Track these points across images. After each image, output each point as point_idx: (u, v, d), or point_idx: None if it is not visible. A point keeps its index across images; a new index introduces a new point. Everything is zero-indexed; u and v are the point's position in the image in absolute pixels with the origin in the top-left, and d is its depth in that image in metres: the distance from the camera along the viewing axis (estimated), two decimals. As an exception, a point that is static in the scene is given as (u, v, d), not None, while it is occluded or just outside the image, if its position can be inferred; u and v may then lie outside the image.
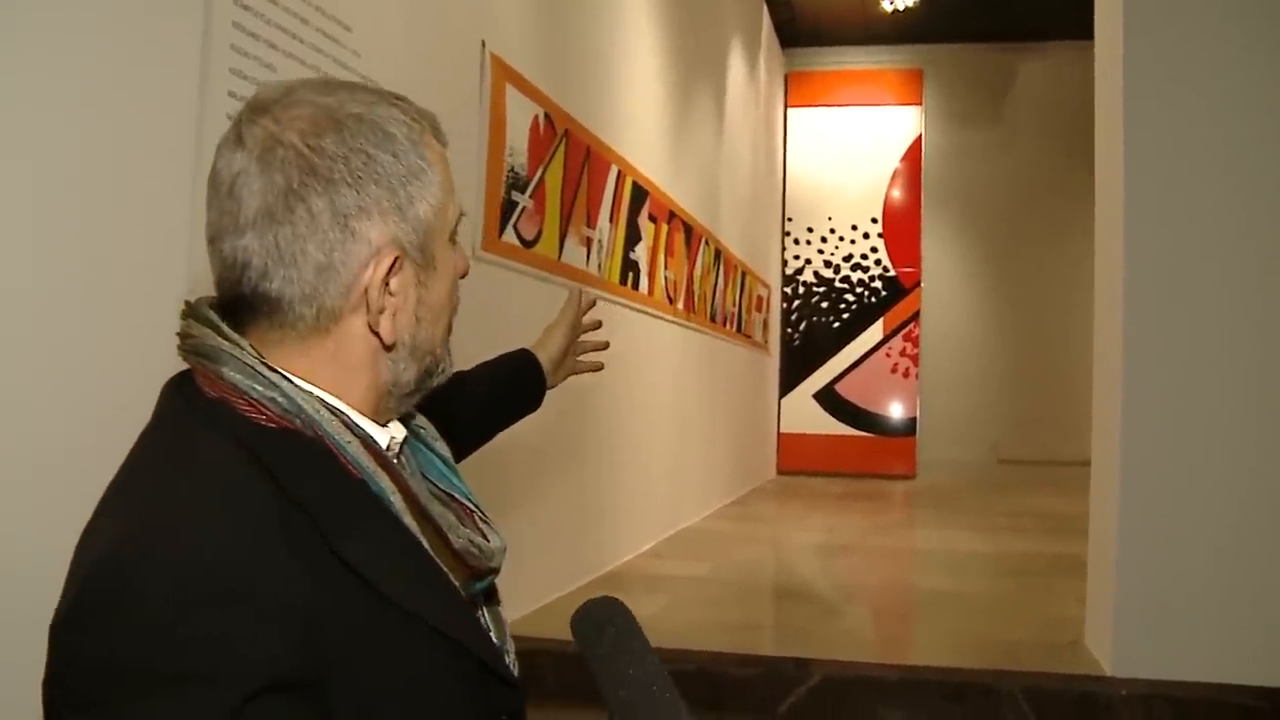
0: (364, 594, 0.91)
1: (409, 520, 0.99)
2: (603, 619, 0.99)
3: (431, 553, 1.00)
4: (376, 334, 1.00)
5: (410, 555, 0.98)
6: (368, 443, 0.99)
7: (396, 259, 0.99)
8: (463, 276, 1.12)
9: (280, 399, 0.95)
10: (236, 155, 0.97)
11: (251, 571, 0.84)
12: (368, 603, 0.91)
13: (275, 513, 0.88)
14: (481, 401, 1.63)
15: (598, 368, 1.89)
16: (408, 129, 1.01)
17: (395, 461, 1.04)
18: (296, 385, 0.97)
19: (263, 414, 0.94)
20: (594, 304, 1.86)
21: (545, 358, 1.73)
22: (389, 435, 1.06)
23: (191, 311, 0.99)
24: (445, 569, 1.01)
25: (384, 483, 0.98)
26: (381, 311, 0.99)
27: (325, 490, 0.93)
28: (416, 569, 0.98)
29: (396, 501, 0.98)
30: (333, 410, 0.98)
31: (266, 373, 0.95)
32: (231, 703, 0.79)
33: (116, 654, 0.80)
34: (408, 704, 0.93)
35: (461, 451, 1.50)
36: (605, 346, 1.90)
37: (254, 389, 0.94)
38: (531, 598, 3.96)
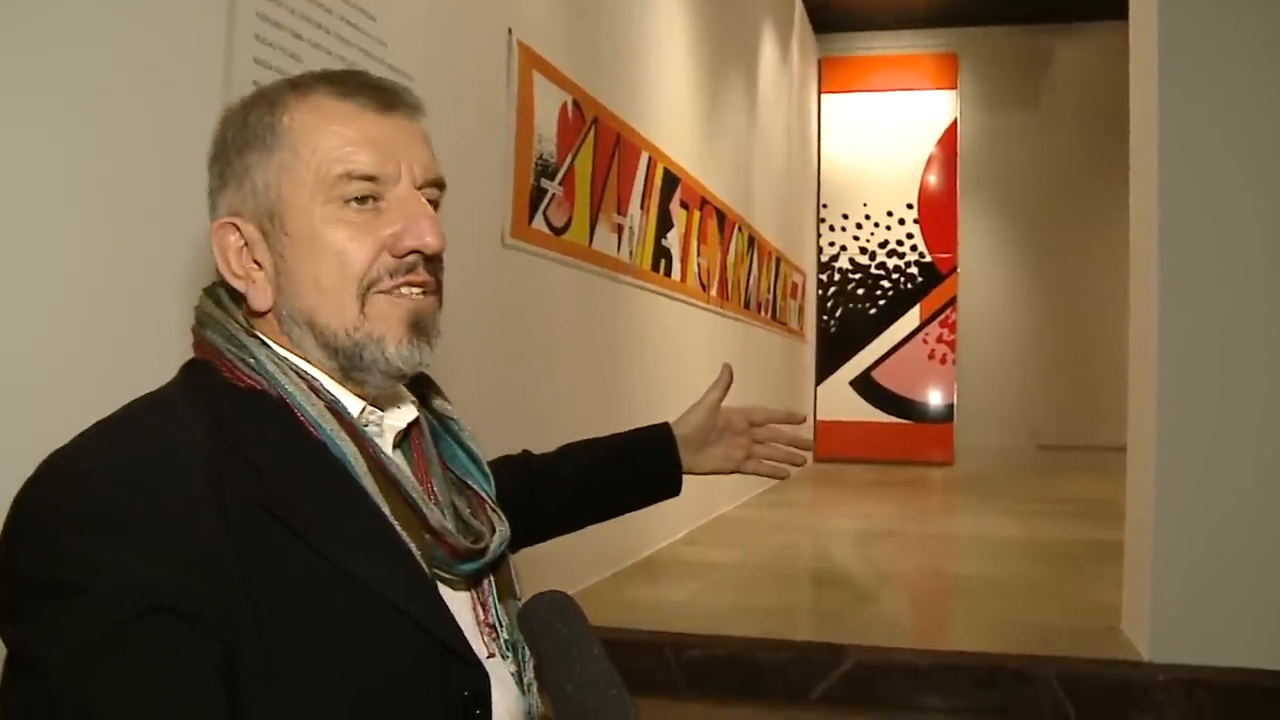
0: (295, 548, 0.93)
1: (369, 485, 0.99)
2: (551, 613, 0.98)
3: (393, 522, 0.99)
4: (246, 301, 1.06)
5: (361, 519, 0.98)
6: (333, 407, 1.02)
7: (232, 227, 1.04)
8: (412, 252, 1.04)
9: (249, 360, 1.01)
10: None
11: (153, 501, 0.88)
12: (298, 557, 0.93)
13: (205, 455, 0.92)
14: (596, 475, 1.56)
15: (781, 476, 1.68)
16: (271, 101, 1.05)
17: (377, 432, 1.07)
18: (273, 350, 1.03)
19: (233, 374, 1.00)
20: (801, 422, 1.69)
21: (680, 435, 1.58)
22: (362, 405, 1.06)
23: (208, 289, 1.09)
24: (408, 539, 1.00)
25: (345, 446, 1.00)
26: (241, 279, 1.05)
27: (274, 446, 0.97)
28: (365, 533, 0.98)
29: (358, 466, 1.00)
30: (301, 374, 1.02)
31: (244, 338, 1.02)
32: (115, 617, 0.83)
33: (20, 566, 0.86)
34: (328, 659, 0.92)
35: (559, 529, 1.52)
36: (801, 462, 1.68)
37: (229, 350, 1.01)
38: (565, 585, 3.93)
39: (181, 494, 0.89)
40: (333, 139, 1.01)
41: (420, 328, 1.06)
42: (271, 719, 0.89)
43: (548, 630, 0.97)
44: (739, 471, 1.66)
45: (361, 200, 1.02)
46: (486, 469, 1.19)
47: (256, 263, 1.03)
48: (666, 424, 1.59)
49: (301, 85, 1.05)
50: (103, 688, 0.82)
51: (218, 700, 0.85)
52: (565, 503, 1.50)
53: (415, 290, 1.05)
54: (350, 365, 1.04)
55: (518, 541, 1.25)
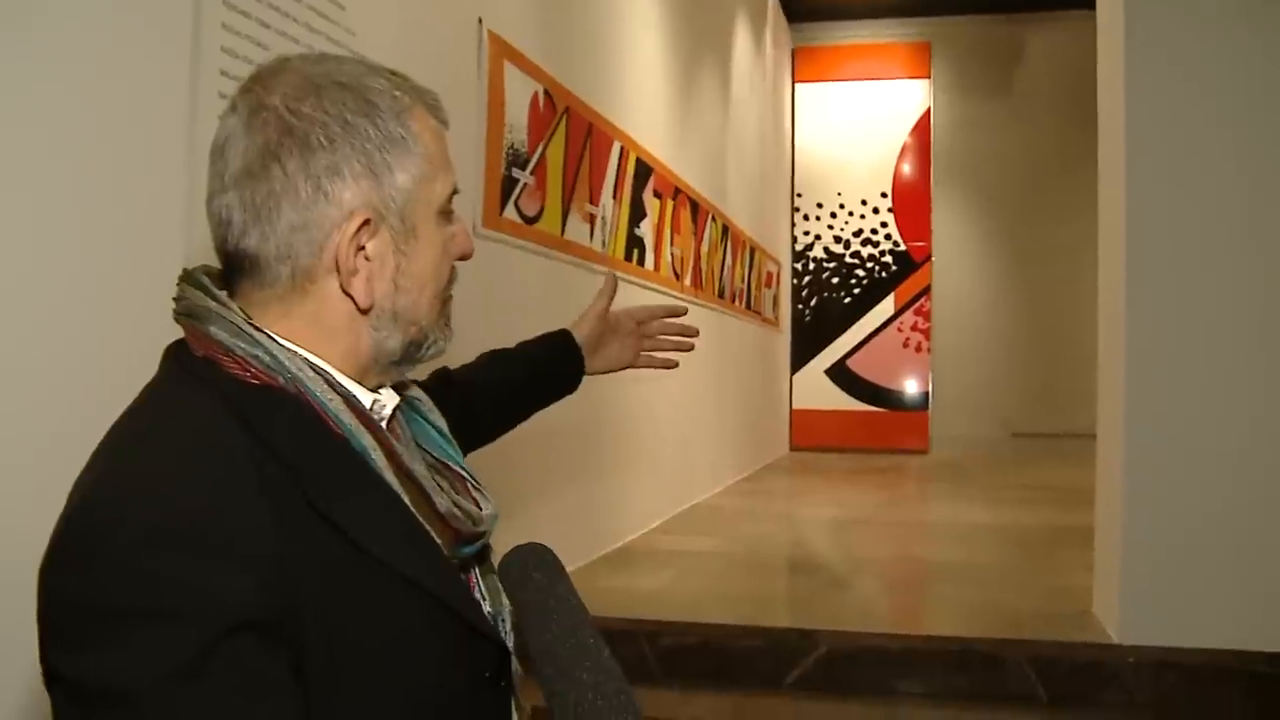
0: (340, 545, 0.94)
1: (390, 478, 1.01)
2: (529, 565, 1.00)
3: (414, 511, 1.02)
4: (351, 296, 1.02)
5: (390, 511, 1.00)
6: (350, 401, 1.01)
7: (368, 221, 1.01)
8: (462, 258, 1.14)
9: (264, 356, 0.98)
10: (229, 120, 1.02)
11: (219, 515, 0.87)
12: (344, 554, 0.94)
13: (249, 462, 0.91)
14: (512, 380, 1.65)
15: (671, 365, 1.83)
16: (393, 100, 1.04)
17: (380, 422, 1.06)
18: (281, 344, 1.00)
19: (247, 371, 0.97)
20: (683, 313, 1.83)
21: (579, 339, 1.71)
22: (373, 397, 1.08)
23: (186, 276, 1.04)
24: (428, 527, 1.03)
25: (366, 440, 1.00)
26: (354, 274, 1.02)
27: (304, 444, 0.96)
28: (396, 524, 1.00)
29: (378, 459, 1.01)
30: (316, 369, 1.01)
31: (252, 331, 0.98)
32: (202, 640, 0.82)
33: (90, 593, 0.83)
34: (382, 652, 0.95)
35: (492, 431, 1.59)
36: (688, 348, 1.84)
37: (239, 346, 0.97)
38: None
39: (246, 505, 0.89)
40: (442, 155, 1.08)
41: (450, 321, 1.15)
42: (330, 713, 0.91)
43: (526, 581, 0.98)
44: (632, 366, 1.80)
45: (449, 215, 1.11)
46: (455, 444, 1.21)
47: (366, 258, 1.03)
48: (568, 331, 1.71)
49: (404, 89, 1.06)
50: (195, 713, 0.82)
51: (299, 709, 0.87)
52: (488, 416, 1.59)
53: None
54: (405, 358, 1.10)
55: None
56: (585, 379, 1.74)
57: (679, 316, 1.82)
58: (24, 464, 1.61)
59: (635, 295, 5.37)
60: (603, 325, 1.73)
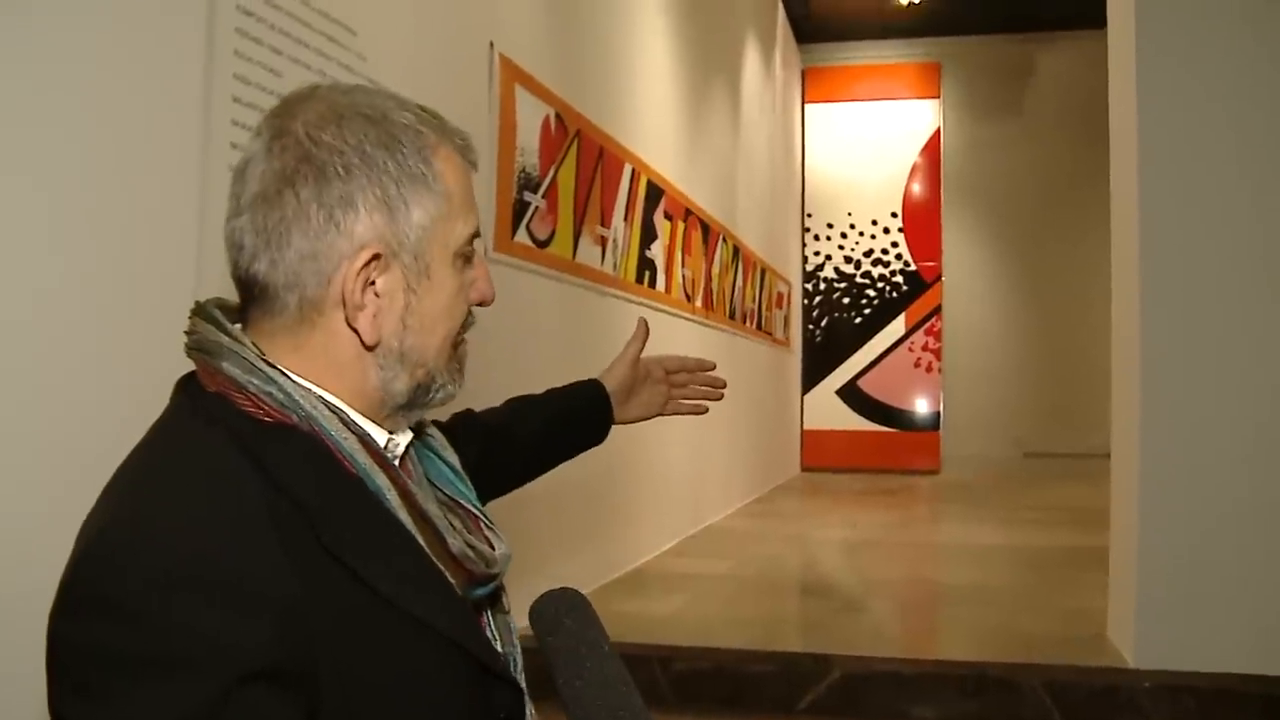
0: (353, 588, 0.92)
1: (405, 518, 0.99)
2: (560, 609, 0.99)
3: (428, 552, 1.00)
4: (356, 331, 1.00)
5: (404, 552, 0.98)
6: (365, 440, 0.99)
7: (378, 256, 0.98)
8: (481, 304, 1.11)
9: (278, 394, 0.96)
10: (254, 143, 1.01)
11: (234, 560, 0.85)
12: (357, 597, 0.92)
13: (263, 504, 0.89)
14: (539, 431, 1.60)
15: (700, 411, 1.78)
16: (417, 136, 1.01)
17: (394, 461, 1.04)
18: (295, 382, 0.98)
19: (260, 409, 0.95)
20: (712, 368, 1.78)
21: (609, 389, 1.66)
22: (388, 435, 1.06)
23: (198, 310, 1.01)
24: (442, 568, 1.01)
25: (380, 480, 0.98)
26: (361, 309, 0.99)
27: (318, 485, 0.94)
28: (410, 566, 0.98)
29: (392, 499, 0.99)
30: (331, 408, 0.99)
31: (265, 368, 0.96)
32: (216, 689, 0.80)
33: (101, 640, 0.81)
34: (396, 694, 0.93)
35: (511, 482, 1.55)
36: (718, 397, 1.79)
37: (251, 383, 0.95)
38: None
39: (259, 546, 0.87)
40: (465, 197, 1.06)
41: (464, 367, 1.12)
42: None
43: (557, 626, 0.97)
44: (661, 414, 1.75)
45: (469, 258, 1.08)
46: (468, 482, 1.19)
47: (375, 294, 1.00)
48: (599, 382, 1.67)
49: (432, 126, 1.04)
50: None
51: None
52: (517, 463, 1.56)
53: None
54: (412, 401, 1.06)
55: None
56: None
57: (708, 370, 1.78)
58: (34, 490, 1.61)
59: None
60: (633, 372, 1.69)
